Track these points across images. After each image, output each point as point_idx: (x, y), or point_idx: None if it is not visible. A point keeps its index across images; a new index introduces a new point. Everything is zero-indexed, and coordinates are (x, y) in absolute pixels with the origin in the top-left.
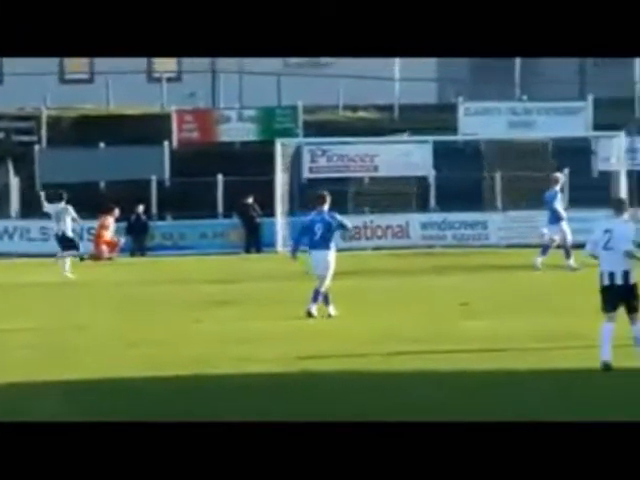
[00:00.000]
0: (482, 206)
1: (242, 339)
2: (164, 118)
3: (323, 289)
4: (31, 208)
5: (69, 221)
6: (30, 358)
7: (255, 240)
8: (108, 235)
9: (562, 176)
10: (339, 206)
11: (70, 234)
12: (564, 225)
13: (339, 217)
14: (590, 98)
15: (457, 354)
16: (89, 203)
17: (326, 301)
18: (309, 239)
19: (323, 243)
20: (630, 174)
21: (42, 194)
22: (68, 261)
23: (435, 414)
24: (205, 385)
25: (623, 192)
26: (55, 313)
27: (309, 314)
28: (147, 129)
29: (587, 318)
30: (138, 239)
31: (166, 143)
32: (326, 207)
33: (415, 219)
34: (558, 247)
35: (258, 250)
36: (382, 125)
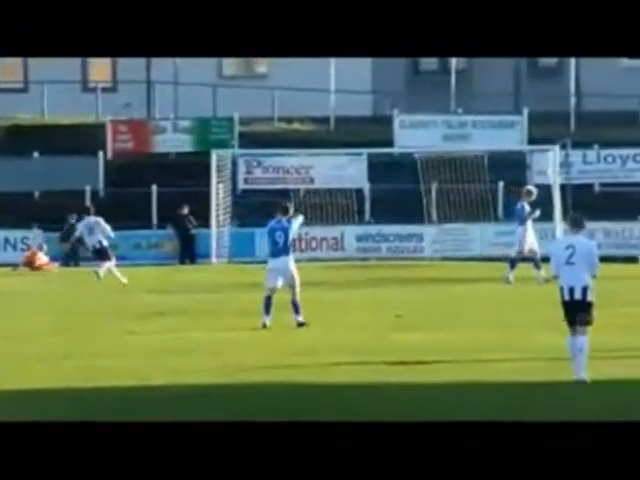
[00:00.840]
0: (418, 219)
1: (177, 350)
2: (99, 128)
3: (297, 297)
4: None
5: (101, 233)
6: None
7: (190, 251)
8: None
9: (535, 190)
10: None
11: (105, 244)
12: (530, 237)
13: (295, 222)
14: (525, 112)
15: (390, 366)
16: (23, 213)
17: (297, 310)
18: (270, 248)
19: (285, 250)
20: (563, 188)
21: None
22: (114, 270)
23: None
24: (140, 396)
25: (557, 205)
26: None
27: (300, 324)
28: (82, 139)
29: (521, 331)
30: (72, 248)
31: (101, 153)
32: (286, 218)
33: (350, 231)
34: (524, 259)
35: (192, 261)
36: (318, 137)
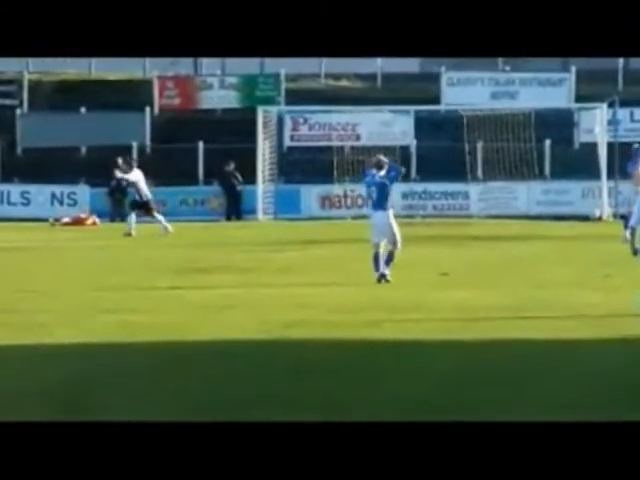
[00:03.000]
0: (463, 176)
1: (223, 306)
2: (146, 84)
3: (395, 250)
4: (11, 172)
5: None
6: (3, 323)
7: (236, 207)
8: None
9: None
10: (320, 174)
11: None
12: None
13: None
14: (573, 69)
15: (436, 323)
16: (70, 168)
17: (388, 262)
18: (369, 202)
19: (380, 205)
20: (611, 146)
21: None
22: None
23: (413, 386)
24: (184, 352)
25: (603, 164)
26: (29, 278)
27: (383, 278)
28: (129, 95)
29: (563, 289)
30: (118, 205)
31: (147, 109)
32: (382, 172)
33: (396, 188)
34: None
35: (238, 217)
36: (364, 94)
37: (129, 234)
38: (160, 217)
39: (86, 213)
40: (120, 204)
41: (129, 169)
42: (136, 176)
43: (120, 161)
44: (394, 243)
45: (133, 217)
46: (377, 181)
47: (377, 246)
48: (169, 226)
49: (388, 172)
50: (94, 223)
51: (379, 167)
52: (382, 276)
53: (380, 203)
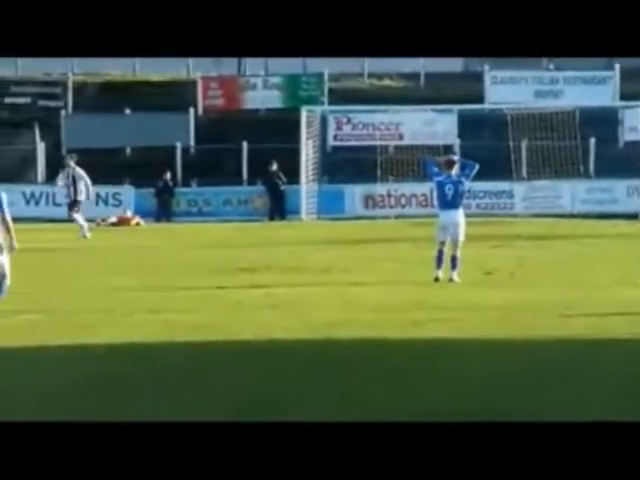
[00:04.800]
0: (507, 175)
1: (266, 306)
2: (190, 85)
3: (458, 253)
4: (57, 173)
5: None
6: (46, 323)
7: (279, 207)
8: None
9: None
10: (363, 174)
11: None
12: None
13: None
14: (617, 67)
15: (480, 322)
16: (115, 169)
17: (453, 266)
18: (440, 201)
19: (454, 204)
20: None
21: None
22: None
23: (457, 382)
24: (228, 351)
25: None
26: (76, 278)
27: (450, 280)
28: (173, 96)
29: (609, 289)
30: (165, 205)
31: (191, 110)
32: (454, 171)
33: None
34: None
35: (282, 217)
36: (408, 93)
37: (84, 236)
38: (79, 218)
39: (130, 213)
40: (167, 205)
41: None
42: (77, 173)
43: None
44: (456, 243)
45: (78, 217)
46: (453, 180)
47: (442, 244)
48: (87, 229)
49: (462, 169)
50: (138, 224)
51: (449, 166)
52: (450, 281)
53: (454, 202)
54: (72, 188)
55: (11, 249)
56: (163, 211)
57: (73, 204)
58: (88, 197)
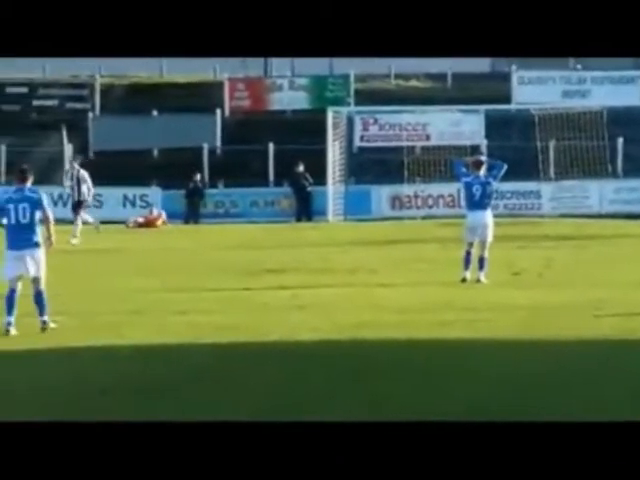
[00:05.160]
0: (535, 175)
1: (293, 307)
2: (216, 86)
3: (486, 253)
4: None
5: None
6: (74, 324)
7: (306, 208)
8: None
9: None
10: (390, 175)
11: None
12: None
13: (495, 177)
14: None
15: (508, 323)
16: (142, 170)
17: (481, 267)
18: (468, 201)
19: (481, 204)
20: None
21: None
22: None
23: (483, 381)
24: (254, 352)
25: None
26: (103, 279)
27: (477, 281)
28: (199, 97)
29: (636, 290)
30: (194, 206)
31: (218, 111)
32: (482, 172)
33: None
34: None
35: (309, 218)
36: (434, 93)
37: (75, 236)
38: (80, 222)
39: (156, 211)
40: (196, 206)
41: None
42: (81, 175)
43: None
44: (484, 243)
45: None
46: (482, 180)
47: (470, 245)
48: (78, 234)
49: (490, 170)
50: (164, 222)
51: (477, 167)
52: (477, 281)
53: (482, 202)
54: (76, 189)
55: (49, 245)
56: (192, 213)
57: (77, 205)
58: (87, 199)
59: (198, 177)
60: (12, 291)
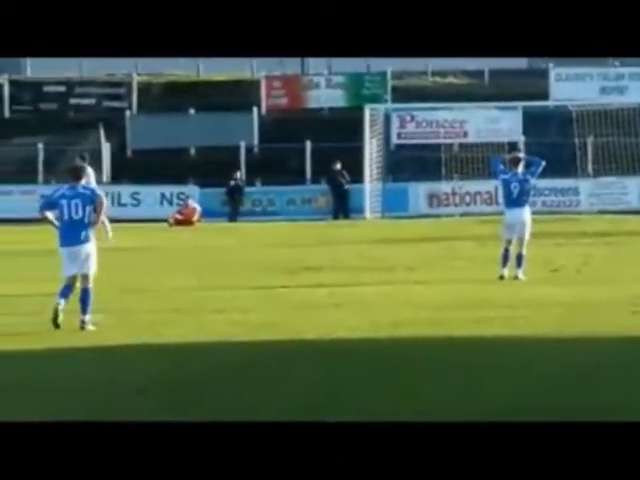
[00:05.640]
0: (573, 172)
1: (330, 305)
2: (253, 84)
3: (524, 250)
4: (122, 174)
5: None
6: (112, 323)
7: (343, 206)
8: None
9: None
10: (427, 172)
11: None
12: None
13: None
14: None
15: (546, 320)
16: (179, 168)
17: (519, 264)
18: (506, 199)
19: (519, 202)
20: None
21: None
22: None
23: (518, 377)
24: (292, 350)
25: None
26: (141, 277)
27: (502, 277)
28: (236, 95)
29: None
30: (235, 204)
31: (255, 109)
32: (520, 169)
33: None
34: None
35: (346, 216)
36: (472, 90)
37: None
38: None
39: (191, 202)
40: (237, 204)
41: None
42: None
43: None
44: (522, 240)
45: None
46: (520, 177)
47: (508, 242)
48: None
49: (528, 167)
50: (199, 219)
51: (515, 164)
52: (515, 279)
53: (520, 199)
54: None
55: (107, 239)
56: (234, 211)
57: None
58: None
59: (239, 175)
60: (67, 287)
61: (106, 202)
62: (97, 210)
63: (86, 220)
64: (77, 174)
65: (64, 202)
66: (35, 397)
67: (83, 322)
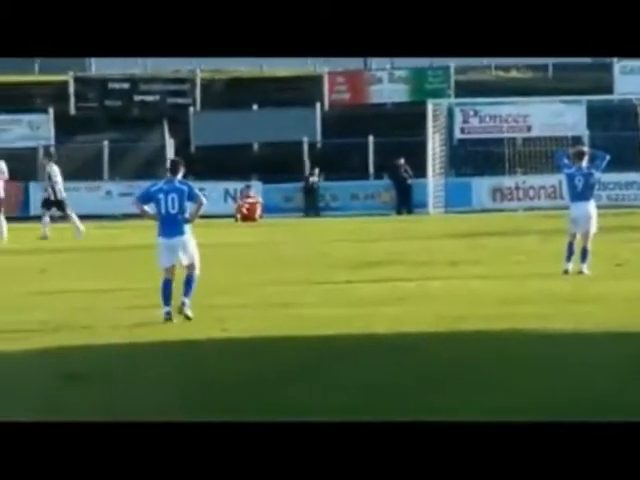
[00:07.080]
0: (637, 166)
1: (395, 299)
2: (316, 80)
3: (588, 245)
4: (186, 170)
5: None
6: (179, 318)
7: (406, 201)
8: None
9: None
10: (491, 166)
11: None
12: None
13: (597, 168)
14: None
15: (610, 315)
16: (243, 164)
17: (584, 258)
18: (570, 193)
19: (584, 196)
20: None
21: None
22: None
23: (578, 372)
24: (356, 345)
25: None
26: (208, 273)
27: (580, 273)
28: (299, 91)
29: None
30: (310, 200)
31: (318, 105)
32: (584, 163)
33: None
34: None
35: (409, 211)
36: (535, 85)
37: (45, 237)
38: (74, 217)
39: (252, 192)
40: (314, 200)
41: (49, 162)
42: (54, 171)
43: (42, 153)
44: (587, 235)
45: (47, 218)
46: (584, 172)
47: (573, 236)
48: (82, 227)
49: (592, 161)
50: (261, 216)
51: (579, 158)
52: (580, 273)
53: (584, 193)
54: (50, 188)
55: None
56: (310, 206)
57: (56, 204)
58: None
59: (317, 171)
60: (167, 281)
61: (204, 201)
62: (195, 210)
63: (183, 214)
64: (174, 168)
65: (161, 196)
66: (117, 390)
67: (184, 304)
